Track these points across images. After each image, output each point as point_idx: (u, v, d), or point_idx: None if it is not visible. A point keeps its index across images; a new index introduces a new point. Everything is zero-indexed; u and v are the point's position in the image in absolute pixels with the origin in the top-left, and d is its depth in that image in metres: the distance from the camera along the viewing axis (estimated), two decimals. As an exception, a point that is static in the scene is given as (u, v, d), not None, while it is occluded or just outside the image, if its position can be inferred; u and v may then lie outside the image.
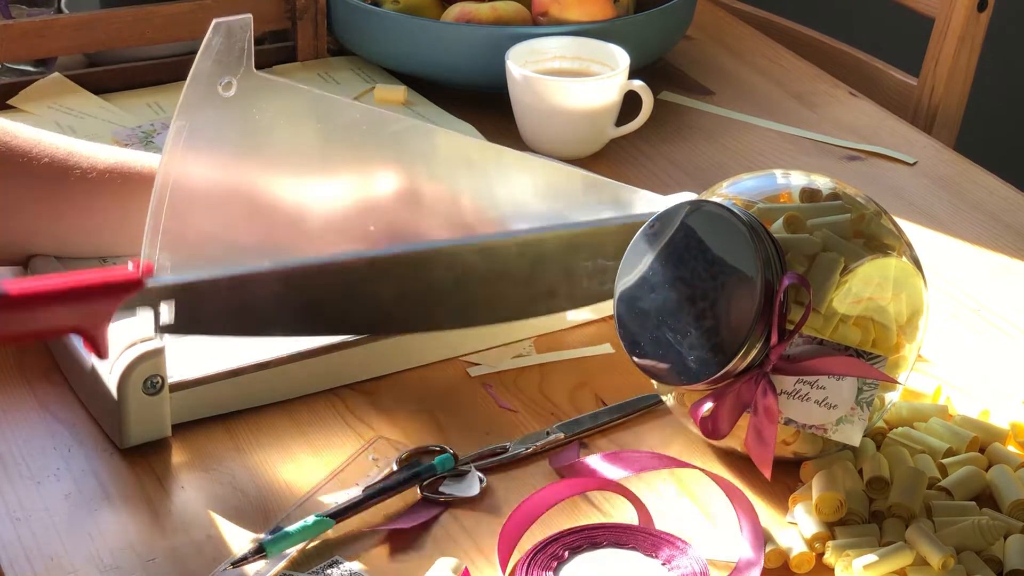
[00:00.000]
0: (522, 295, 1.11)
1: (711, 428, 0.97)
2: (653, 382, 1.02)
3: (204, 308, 1.02)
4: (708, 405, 0.97)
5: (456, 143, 1.14)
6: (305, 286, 1.04)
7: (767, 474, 0.96)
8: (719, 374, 0.94)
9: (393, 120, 1.10)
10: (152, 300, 0.99)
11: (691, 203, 0.97)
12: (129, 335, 1.01)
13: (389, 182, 1.10)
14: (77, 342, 1.06)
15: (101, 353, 0.98)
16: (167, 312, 1.00)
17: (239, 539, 0.95)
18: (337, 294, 1.05)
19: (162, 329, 1.00)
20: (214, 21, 0.99)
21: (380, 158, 1.10)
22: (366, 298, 1.06)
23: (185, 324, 1.01)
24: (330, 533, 0.95)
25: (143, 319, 1.00)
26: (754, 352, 0.94)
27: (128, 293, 0.98)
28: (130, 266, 1.00)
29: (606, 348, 1.15)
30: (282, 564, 0.93)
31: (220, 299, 1.02)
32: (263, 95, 1.03)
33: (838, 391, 0.96)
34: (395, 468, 1.01)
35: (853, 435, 0.96)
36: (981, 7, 1.67)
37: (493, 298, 1.10)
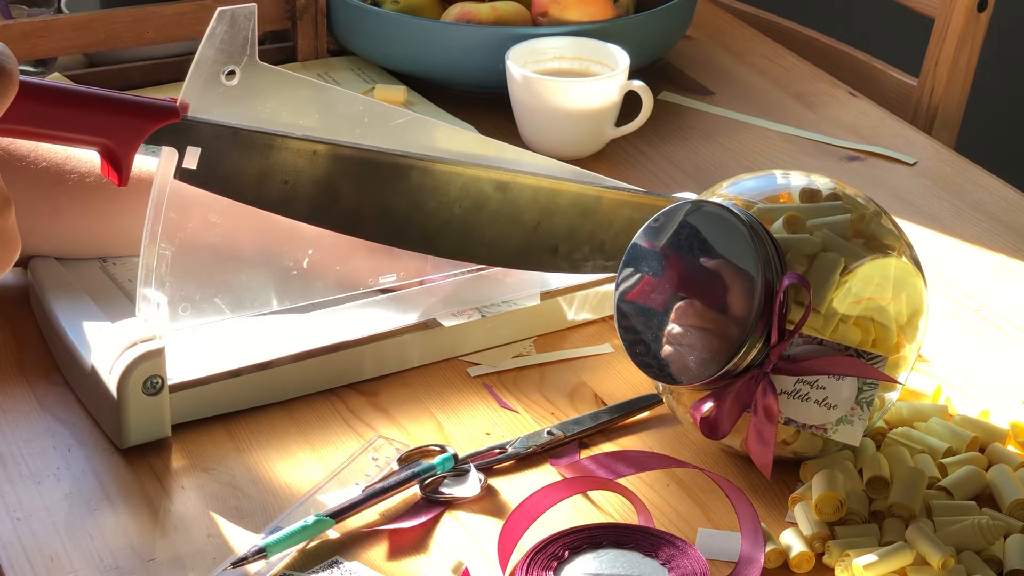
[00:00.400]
0: (525, 242, 1.11)
1: (711, 428, 0.97)
2: (653, 382, 1.02)
3: (228, 163, 1.01)
4: (708, 405, 0.97)
5: (458, 138, 1.14)
6: (328, 169, 1.04)
7: (767, 474, 0.96)
8: (719, 374, 0.94)
9: (395, 113, 1.10)
10: (182, 137, 0.99)
11: (691, 203, 0.97)
12: (129, 335, 1.01)
13: None
14: (76, 338, 1.06)
15: (122, 178, 0.97)
16: (192, 157, 0.99)
17: (239, 539, 0.95)
18: (354, 186, 1.05)
19: (182, 173, 1.00)
20: (218, 9, 1.00)
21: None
22: (380, 199, 1.06)
23: (206, 175, 1.00)
24: (330, 533, 0.95)
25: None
26: (754, 352, 0.94)
27: (163, 119, 0.98)
28: (168, 100, 0.99)
29: (606, 348, 1.15)
30: (282, 564, 0.93)
31: (246, 158, 1.01)
32: (266, 85, 1.03)
33: (838, 391, 0.96)
34: (395, 468, 1.01)
35: (853, 435, 0.96)
36: (981, 7, 1.67)
37: (497, 237, 1.10)
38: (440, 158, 1.08)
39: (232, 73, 1.01)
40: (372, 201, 1.06)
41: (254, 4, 1.01)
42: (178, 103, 0.99)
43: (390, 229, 1.08)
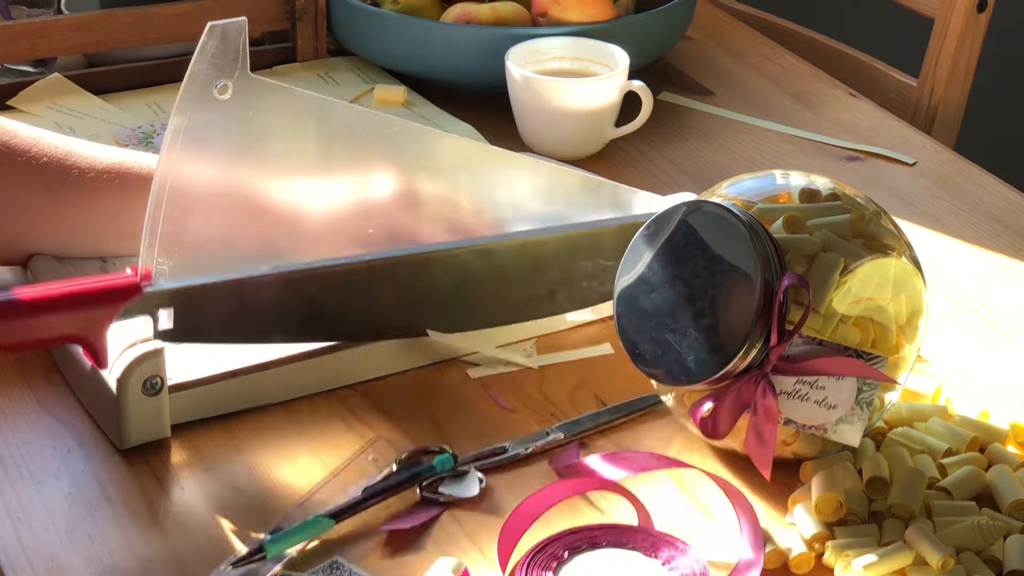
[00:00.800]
0: (521, 297, 1.11)
1: (711, 428, 0.97)
2: (653, 382, 1.02)
3: (203, 314, 1.02)
4: (708, 405, 0.97)
5: (454, 145, 1.14)
6: (304, 290, 1.04)
7: (767, 474, 0.96)
8: (719, 374, 0.94)
9: (390, 122, 1.09)
10: (151, 307, 1.00)
11: (690, 203, 0.97)
12: (128, 336, 1.01)
13: (387, 184, 1.10)
14: (77, 348, 1.06)
15: (100, 362, 0.98)
16: (166, 318, 1.00)
17: (239, 539, 0.95)
18: (336, 298, 1.05)
19: (161, 335, 1.01)
20: (209, 24, 1.00)
21: (377, 160, 1.10)
22: (365, 302, 1.06)
23: (184, 330, 1.01)
24: (330, 533, 0.95)
25: (142, 324, 1.01)
26: (754, 352, 0.94)
27: (126, 299, 0.98)
28: (128, 271, 1.00)
29: (606, 348, 1.15)
30: (282, 564, 0.93)
31: (219, 305, 1.02)
32: (259, 98, 1.03)
33: (838, 391, 0.96)
34: (395, 468, 1.01)
35: (853, 435, 0.96)
36: (981, 8, 1.67)
37: (492, 300, 1.11)
38: (412, 249, 1.07)
39: (224, 87, 1.01)
40: (356, 307, 1.07)
41: (244, 18, 1.01)
42: (138, 274, 1.00)
43: (381, 326, 1.08)
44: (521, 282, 1.11)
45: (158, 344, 1.01)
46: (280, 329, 1.05)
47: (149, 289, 0.99)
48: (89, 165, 1.12)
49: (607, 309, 1.17)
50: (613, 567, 0.92)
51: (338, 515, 0.95)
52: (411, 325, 1.09)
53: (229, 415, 1.06)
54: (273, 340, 1.06)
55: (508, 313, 1.12)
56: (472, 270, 1.09)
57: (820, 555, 0.95)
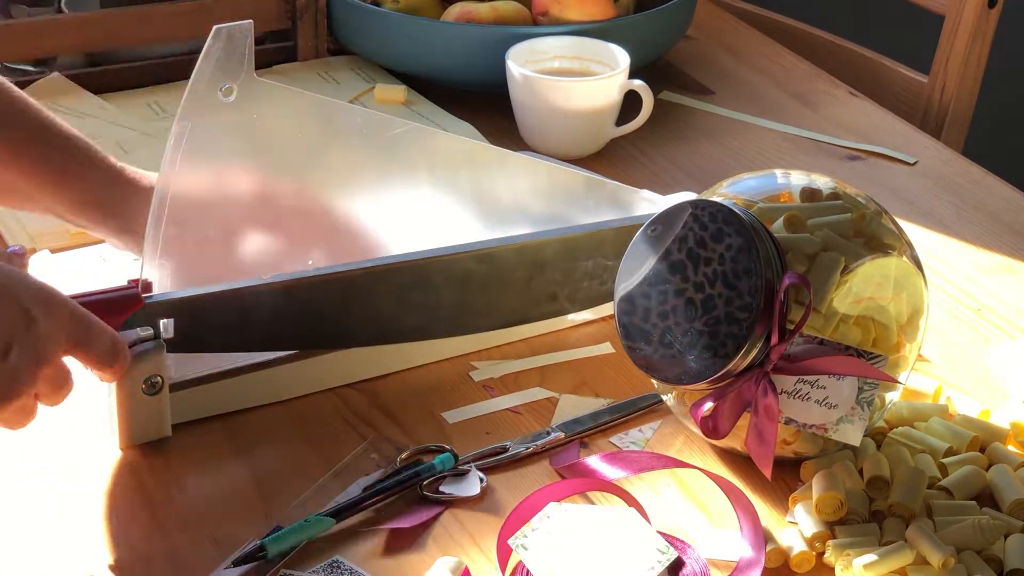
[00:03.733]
0: (521, 300, 1.11)
1: (711, 428, 0.97)
2: (653, 382, 1.02)
3: (204, 323, 1.02)
4: (708, 405, 0.97)
5: (456, 145, 1.14)
6: (304, 298, 1.04)
7: (767, 474, 0.96)
8: (719, 374, 0.94)
9: (394, 124, 1.10)
10: (152, 317, 1.00)
11: (691, 203, 0.97)
12: (129, 335, 1.01)
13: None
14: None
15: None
16: (167, 328, 1.00)
17: (239, 539, 0.95)
18: (337, 306, 1.06)
19: (164, 345, 1.01)
20: (215, 27, 0.99)
21: (379, 161, 1.10)
22: (365, 309, 1.07)
23: (186, 340, 1.01)
24: (330, 533, 0.95)
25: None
26: (754, 352, 0.94)
27: (128, 311, 0.98)
28: (127, 283, 1.00)
29: (606, 348, 1.15)
30: (282, 564, 0.93)
31: (220, 314, 1.02)
32: (264, 100, 1.03)
33: (838, 391, 0.96)
34: (396, 468, 1.01)
35: (853, 435, 0.96)
36: (991, 4, 1.67)
37: (492, 304, 1.11)
38: (414, 255, 1.07)
39: (230, 89, 1.01)
40: (357, 314, 1.07)
41: (250, 21, 1.01)
42: (139, 285, 1.00)
43: (382, 332, 1.08)
44: (521, 285, 1.11)
45: (159, 343, 1.01)
46: (282, 337, 1.05)
47: (150, 300, 1.00)
48: (67, 131, 1.11)
49: (607, 309, 1.17)
50: (599, 519, 0.92)
51: (338, 514, 0.95)
52: (412, 330, 1.09)
53: (229, 415, 1.06)
54: (275, 348, 1.06)
55: (510, 316, 1.12)
56: (472, 274, 1.09)
57: (821, 554, 0.95)
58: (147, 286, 1.00)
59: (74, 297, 0.95)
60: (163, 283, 1.02)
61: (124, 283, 1.00)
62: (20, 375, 0.90)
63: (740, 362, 0.94)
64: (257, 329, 1.04)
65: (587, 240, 1.12)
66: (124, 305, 0.98)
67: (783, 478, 1.02)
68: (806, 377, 0.96)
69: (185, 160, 1.01)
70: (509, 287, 1.10)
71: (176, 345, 1.01)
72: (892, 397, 1.01)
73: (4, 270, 0.91)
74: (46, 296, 0.91)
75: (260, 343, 1.05)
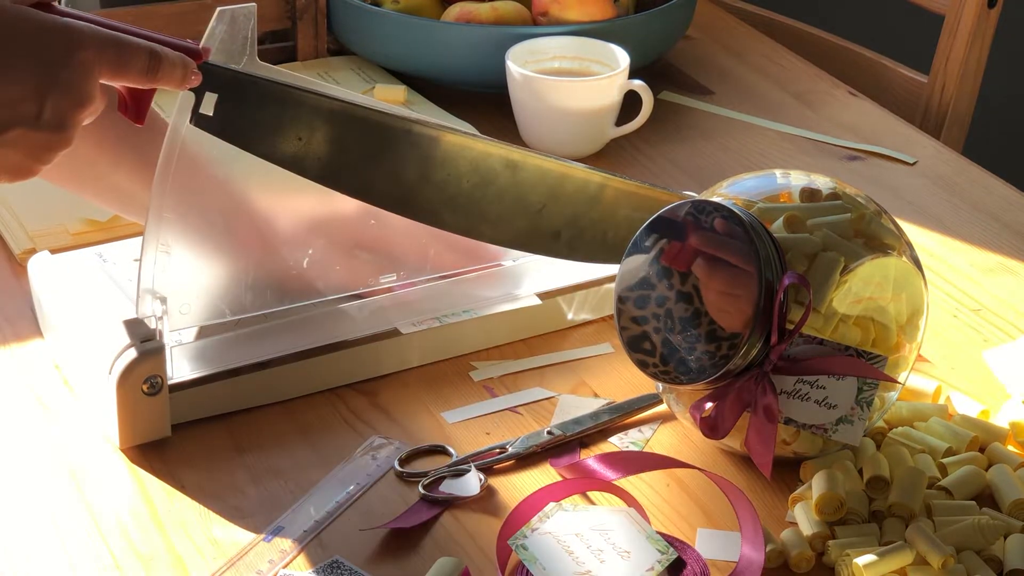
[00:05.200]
0: (529, 223, 1.11)
1: (711, 428, 0.97)
2: (653, 382, 1.02)
3: (244, 112, 1.01)
4: (708, 405, 0.97)
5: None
6: (342, 130, 1.03)
7: (767, 474, 0.96)
8: (719, 374, 0.94)
9: (397, 111, 1.09)
10: (199, 86, 0.98)
11: (691, 203, 0.97)
12: (129, 335, 1.01)
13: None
14: (76, 338, 1.06)
15: (140, 116, 0.96)
16: (209, 104, 0.99)
17: (239, 539, 0.95)
18: (368, 149, 1.04)
19: (198, 120, 0.99)
20: (218, 9, 0.99)
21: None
22: (390, 166, 1.05)
23: (221, 122, 1.00)
24: (330, 533, 0.95)
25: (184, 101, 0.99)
26: (754, 352, 0.94)
27: (188, 58, 0.97)
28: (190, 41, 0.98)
29: (606, 348, 1.15)
30: (282, 564, 0.93)
31: (261, 108, 1.01)
32: None
33: (838, 391, 0.96)
34: (396, 467, 1.01)
35: (853, 435, 0.96)
36: (991, 4, 1.67)
37: (502, 217, 1.10)
38: (452, 129, 1.08)
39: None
40: (383, 167, 1.06)
41: (254, 4, 1.01)
42: (201, 47, 0.98)
43: (398, 197, 1.07)
44: (535, 208, 1.10)
45: (159, 343, 1.01)
46: (306, 158, 1.03)
47: (204, 65, 0.98)
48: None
49: (607, 309, 1.17)
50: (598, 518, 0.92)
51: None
52: (424, 209, 1.08)
53: (229, 415, 1.06)
54: (297, 170, 1.04)
55: (515, 236, 1.11)
56: (495, 176, 1.08)
57: (820, 554, 0.95)
58: (207, 51, 0.99)
59: (136, 31, 0.94)
60: (162, 269, 1.01)
61: (187, 40, 0.98)
62: (65, 123, 0.90)
63: (740, 362, 0.94)
64: (288, 140, 1.02)
65: (602, 190, 1.11)
66: (186, 53, 0.96)
67: (783, 478, 1.02)
68: (806, 377, 0.96)
69: (188, 138, 1.00)
70: (523, 205, 1.10)
71: (209, 124, 0.99)
72: (892, 397, 1.02)
73: (27, 14, 0.89)
74: (68, 33, 0.90)
75: (284, 157, 1.03)
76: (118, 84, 0.94)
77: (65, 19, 0.91)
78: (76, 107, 0.90)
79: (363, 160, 1.05)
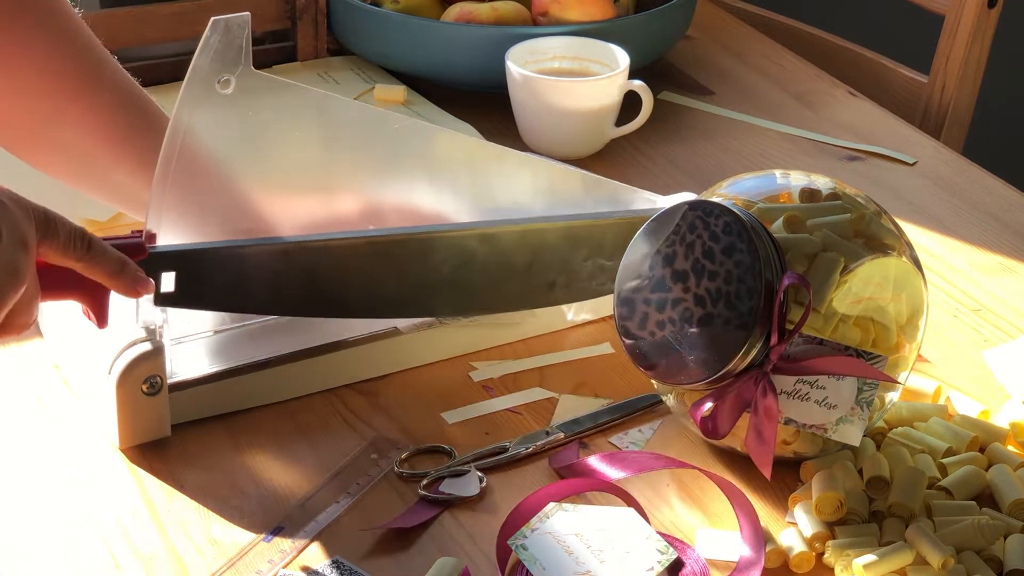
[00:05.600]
0: (521, 285, 1.11)
1: (711, 428, 0.97)
2: (653, 382, 1.02)
3: (205, 280, 1.02)
4: (708, 405, 0.97)
5: (455, 142, 1.14)
6: (304, 262, 1.04)
7: (767, 474, 0.96)
8: (719, 374, 0.94)
9: (392, 118, 1.09)
10: (154, 268, 0.99)
11: (690, 203, 0.97)
12: (129, 335, 1.01)
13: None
14: (76, 338, 1.06)
15: (101, 321, 0.97)
16: (168, 282, 1.00)
17: (239, 539, 0.95)
18: (336, 274, 1.05)
19: (163, 299, 1.00)
20: (212, 18, 0.99)
21: (378, 157, 1.10)
22: (365, 280, 1.06)
23: (185, 295, 1.01)
24: (330, 533, 0.95)
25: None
26: (754, 352, 0.94)
27: (131, 259, 0.98)
28: (131, 233, 0.99)
29: (606, 348, 1.15)
30: (282, 564, 0.93)
31: (221, 271, 1.02)
32: (261, 93, 1.03)
33: (838, 391, 0.96)
34: (396, 468, 1.01)
35: (853, 435, 0.96)
36: (991, 4, 1.67)
37: (492, 286, 1.10)
38: (416, 229, 1.08)
39: (227, 81, 1.01)
40: (356, 283, 1.07)
41: (248, 14, 1.01)
42: (143, 235, 1.00)
43: (380, 304, 1.08)
44: (521, 270, 1.11)
45: (159, 343, 1.01)
46: (279, 300, 1.04)
47: (153, 251, 0.99)
48: (138, 89, 1.11)
49: (607, 309, 1.17)
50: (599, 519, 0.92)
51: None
52: (411, 306, 1.09)
53: (229, 415, 1.06)
54: (272, 312, 1.05)
55: (508, 300, 1.12)
56: (474, 254, 1.09)
57: (820, 555, 0.95)
58: (151, 237, 1.00)
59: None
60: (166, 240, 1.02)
61: (129, 233, 1.00)
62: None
63: (740, 362, 0.94)
64: (256, 290, 1.03)
65: (587, 230, 1.12)
66: (128, 253, 0.98)
67: (783, 478, 1.02)
68: (806, 377, 0.96)
69: (183, 151, 1.00)
70: (509, 270, 1.10)
71: (174, 300, 1.01)
72: (892, 397, 1.02)
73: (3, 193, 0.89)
74: (44, 215, 0.91)
75: (258, 305, 1.04)
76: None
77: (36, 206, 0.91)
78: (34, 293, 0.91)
79: (335, 285, 1.06)
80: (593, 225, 1.12)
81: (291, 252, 1.04)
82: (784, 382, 0.96)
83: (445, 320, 1.12)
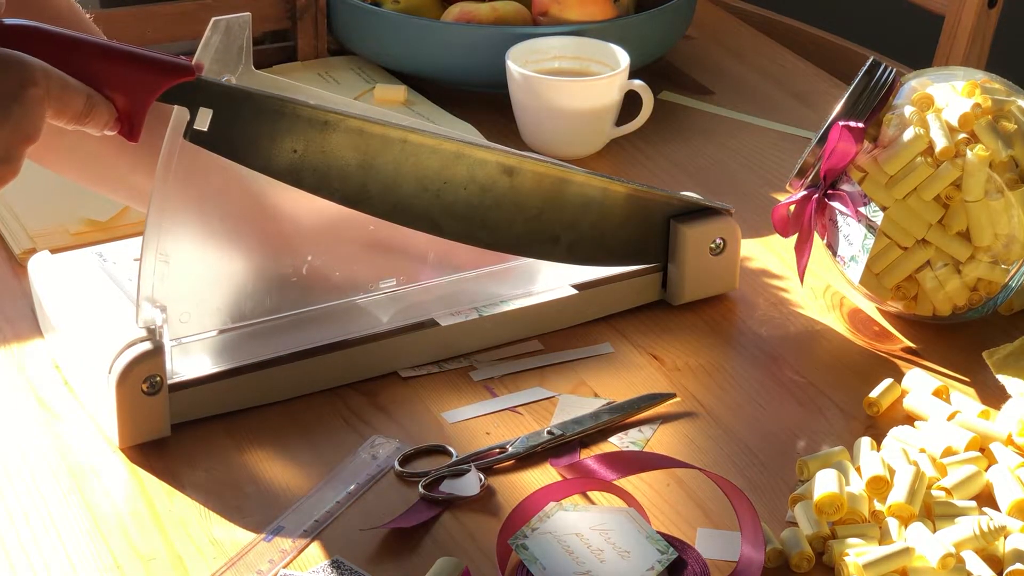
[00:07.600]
0: (527, 230, 1.11)
1: (783, 225, 1.16)
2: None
3: (239, 127, 1.01)
4: (792, 200, 1.15)
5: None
6: (336, 139, 1.03)
7: (801, 278, 1.14)
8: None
9: (392, 118, 1.10)
10: (195, 97, 0.98)
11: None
12: (129, 335, 1.01)
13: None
14: (76, 338, 1.06)
15: (134, 134, 0.96)
16: (204, 119, 0.99)
17: (239, 539, 0.95)
18: (363, 159, 1.05)
19: (193, 135, 0.99)
20: (213, 19, 0.99)
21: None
22: (384, 173, 1.06)
23: (215, 137, 1.00)
24: (330, 533, 0.95)
25: (179, 116, 0.99)
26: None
27: (178, 77, 0.97)
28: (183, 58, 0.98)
29: (606, 348, 1.15)
30: (282, 564, 0.93)
31: (257, 124, 1.01)
32: None
33: (854, 232, 1.12)
34: (396, 467, 1.01)
35: (855, 273, 1.11)
36: (991, 4, 1.67)
37: (500, 222, 1.10)
38: (450, 136, 1.08)
39: (228, 81, 1.01)
40: (379, 177, 1.06)
41: (248, 14, 1.01)
42: (194, 62, 0.98)
43: (395, 207, 1.07)
44: (533, 213, 1.10)
45: (159, 343, 1.01)
46: (302, 172, 1.04)
47: (201, 77, 0.98)
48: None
49: (607, 309, 1.17)
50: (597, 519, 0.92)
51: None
52: (425, 218, 1.09)
53: (229, 415, 1.06)
54: (291, 181, 1.04)
55: (513, 241, 1.11)
56: (493, 183, 1.08)
57: (820, 554, 0.95)
58: (200, 67, 0.99)
59: (129, 48, 0.94)
60: (161, 278, 1.01)
61: (180, 57, 0.98)
62: (12, 156, 0.90)
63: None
64: (282, 155, 1.03)
65: (599, 193, 1.11)
66: (175, 72, 0.96)
67: (783, 478, 1.02)
68: (842, 210, 1.12)
69: (183, 154, 1.00)
70: (521, 210, 1.10)
71: (204, 139, 1.00)
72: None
73: None
74: (21, 69, 0.90)
75: (282, 170, 1.03)
76: (53, 122, 0.94)
77: (18, 52, 0.90)
78: (24, 141, 0.91)
79: (359, 170, 1.05)
80: (606, 190, 1.12)
81: (329, 124, 1.03)
82: (832, 211, 1.13)
83: (444, 320, 1.12)
